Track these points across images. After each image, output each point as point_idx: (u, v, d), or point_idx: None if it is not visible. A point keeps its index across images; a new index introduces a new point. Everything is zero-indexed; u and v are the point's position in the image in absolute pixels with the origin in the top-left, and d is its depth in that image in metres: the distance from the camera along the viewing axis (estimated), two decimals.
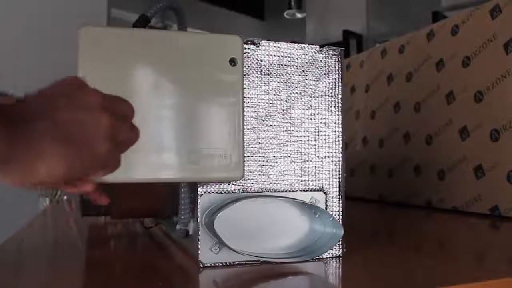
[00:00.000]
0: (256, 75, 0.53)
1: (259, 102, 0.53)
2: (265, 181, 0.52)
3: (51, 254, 0.62)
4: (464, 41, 0.99)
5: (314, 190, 0.54)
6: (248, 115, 0.52)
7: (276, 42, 0.54)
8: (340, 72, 0.56)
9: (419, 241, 0.71)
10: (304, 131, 0.54)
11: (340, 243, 0.54)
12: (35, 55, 2.10)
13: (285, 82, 0.54)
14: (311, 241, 0.53)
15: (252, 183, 0.52)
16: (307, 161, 0.54)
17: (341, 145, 0.56)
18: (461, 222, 0.91)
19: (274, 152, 0.53)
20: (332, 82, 0.56)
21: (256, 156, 0.52)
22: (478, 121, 0.94)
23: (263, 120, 0.53)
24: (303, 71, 0.54)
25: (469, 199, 0.96)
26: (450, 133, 1.02)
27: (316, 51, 0.55)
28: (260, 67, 0.53)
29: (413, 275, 0.49)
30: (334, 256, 0.54)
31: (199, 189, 0.50)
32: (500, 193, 0.89)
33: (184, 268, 0.52)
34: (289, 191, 0.53)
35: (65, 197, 1.24)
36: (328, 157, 0.55)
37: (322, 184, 0.55)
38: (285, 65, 0.54)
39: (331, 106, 0.56)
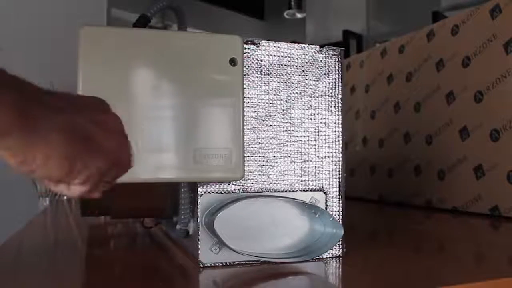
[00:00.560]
0: (256, 75, 0.53)
1: (259, 102, 0.53)
2: (265, 181, 0.52)
3: (51, 254, 0.62)
4: (464, 41, 0.99)
5: (314, 190, 0.54)
6: (248, 115, 0.52)
7: (276, 42, 0.54)
8: (340, 72, 0.56)
9: (419, 241, 0.71)
10: (304, 131, 0.54)
11: (340, 243, 0.54)
12: (35, 55, 2.10)
13: (285, 82, 0.54)
14: (311, 241, 0.53)
15: (252, 183, 0.52)
16: (307, 161, 0.54)
17: (341, 145, 0.56)
18: (461, 222, 0.91)
19: (274, 152, 0.53)
20: (332, 82, 0.56)
21: (256, 156, 0.52)
22: (478, 121, 0.94)
23: (263, 120, 0.53)
24: (303, 71, 0.54)
25: (469, 199, 0.96)
26: (450, 133, 1.02)
27: (316, 51, 0.55)
28: (260, 67, 0.53)
29: (413, 275, 0.49)
30: (334, 256, 0.54)
31: (199, 189, 0.50)
32: (500, 193, 0.89)
33: (184, 268, 0.52)
34: (289, 191, 0.53)
35: (65, 197, 1.24)
36: (328, 157, 0.55)
37: (322, 184, 0.55)
38: (285, 65, 0.54)
39: (331, 106, 0.56)
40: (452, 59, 1.02)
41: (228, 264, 0.50)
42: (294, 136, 0.54)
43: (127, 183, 0.45)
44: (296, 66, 0.54)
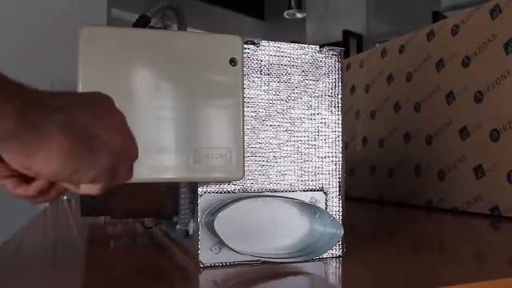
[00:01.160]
0: (256, 75, 0.53)
1: (259, 102, 0.53)
2: (265, 181, 0.52)
3: (51, 254, 0.62)
4: (464, 41, 0.99)
5: (314, 190, 0.54)
6: (248, 115, 0.52)
7: (276, 42, 0.54)
8: (340, 72, 0.56)
9: (419, 241, 0.71)
10: (304, 131, 0.54)
11: (340, 243, 0.54)
12: (35, 55, 2.10)
13: (285, 82, 0.54)
14: (311, 241, 0.53)
15: (252, 183, 0.52)
16: (307, 161, 0.54)
17: (341, 145, 0.56)
18: (461, 222, 0.91)
19: (274, 152, 0.53)
20: (332, 82, 0.56)
21: (256, 156, 0.52)
22: (478, 121, 0.94)
23: (263, 120, 0.53)
24: (303, 71, 0.54)
25: (469, 199, 0.96)
26: (450, 133, 1.02)
27: (316, 51, 0.55)
28: (260, 67, 0.53)
29: (413, 275, 0.49)
30: (334, 256, 0.54)
31: (199, 189, 0.50)
32: (500, 193, 0.89)
33: (184, 268, 0.52)
34: (289, 191, 0.53)
35: (65, 197, 1.24)
36: (328, 157, 0.55)
37: (322, 184, 0.55)
38: (285, 65, 0.54)
39: (331, 106, 0.56)
40: (452, 59, 1.02)
41: (228, 264, 0.50)
42: (294, 136, 0.54)
43: (127, 183, 0.45)
44: (296, 66, 0.54)
